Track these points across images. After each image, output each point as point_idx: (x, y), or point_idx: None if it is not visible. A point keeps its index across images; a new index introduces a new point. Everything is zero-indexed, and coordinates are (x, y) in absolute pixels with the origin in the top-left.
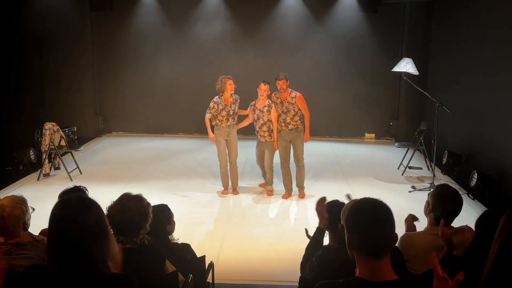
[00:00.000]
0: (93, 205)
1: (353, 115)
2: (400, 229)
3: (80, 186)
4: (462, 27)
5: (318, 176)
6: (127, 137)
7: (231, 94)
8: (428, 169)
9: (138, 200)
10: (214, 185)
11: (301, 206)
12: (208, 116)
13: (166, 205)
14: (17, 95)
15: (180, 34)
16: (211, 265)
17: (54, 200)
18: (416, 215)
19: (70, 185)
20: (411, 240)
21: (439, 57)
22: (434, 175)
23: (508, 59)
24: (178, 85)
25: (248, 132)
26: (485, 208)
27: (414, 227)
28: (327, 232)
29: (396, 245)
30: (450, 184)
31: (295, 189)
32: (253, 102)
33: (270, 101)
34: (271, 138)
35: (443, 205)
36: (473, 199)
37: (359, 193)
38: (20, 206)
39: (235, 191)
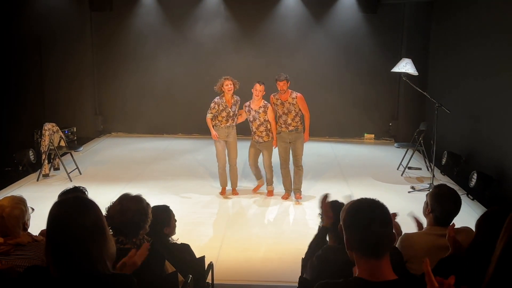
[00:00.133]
0: (91, 205)
1: (352, 115)
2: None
3: (80, 186)
4: (462, 27)
5: (318, 176)
6: (126, 137)
7: (232, 95)
8: (428, 170)
9: (138, 201)
10: (213, 185)
11: (300, 206)
12: (209, 116)
13: (168, 207)
14: (17, 95)
15: (180, 34)
16: (211, 265)
17: (54, 200)
18: (416, 215)
19: (70, 185)
20: (410, 240)
21: (438, 58)
22: (433, 176)
23: (508, 59)
24: (178, 85)
25: (248, 133)
26: (485, 209)
27: (421, 225)
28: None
29: (396, 245)
30: (449, 185)
31: None
32: (248, 103)
33: (265, 102)
34: (269, 138)
35: (442, 205)
36: (473, 199)
37: (358, 194)
38: (19, 207)
39: (234, 191)
